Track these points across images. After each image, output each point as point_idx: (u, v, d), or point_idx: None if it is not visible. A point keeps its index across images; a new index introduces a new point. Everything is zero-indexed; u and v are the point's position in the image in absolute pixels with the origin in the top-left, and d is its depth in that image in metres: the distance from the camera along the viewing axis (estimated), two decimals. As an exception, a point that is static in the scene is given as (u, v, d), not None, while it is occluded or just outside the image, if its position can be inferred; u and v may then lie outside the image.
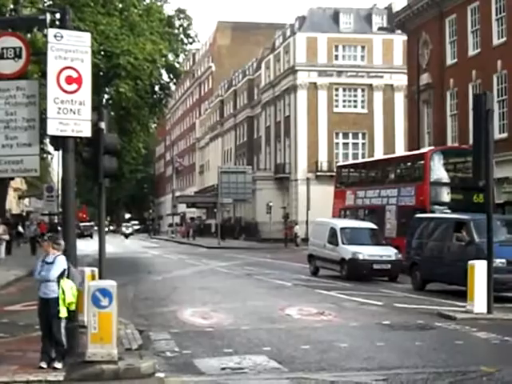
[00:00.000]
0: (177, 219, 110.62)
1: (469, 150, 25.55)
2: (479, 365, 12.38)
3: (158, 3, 37.48)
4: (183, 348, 13.94)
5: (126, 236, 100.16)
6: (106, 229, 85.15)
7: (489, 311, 18.40)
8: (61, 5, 22.76)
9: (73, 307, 11.88)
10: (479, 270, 18.96)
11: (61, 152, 12.76)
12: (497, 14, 39.73)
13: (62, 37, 12.07)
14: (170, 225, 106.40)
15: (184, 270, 35.77)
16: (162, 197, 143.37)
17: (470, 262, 19.52)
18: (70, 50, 12.07)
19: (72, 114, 12.03)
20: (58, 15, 13.17)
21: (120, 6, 33.56)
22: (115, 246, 63.02)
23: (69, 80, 12.03)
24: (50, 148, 36.36)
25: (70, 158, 12.59)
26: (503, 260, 21.87)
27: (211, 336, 15.45)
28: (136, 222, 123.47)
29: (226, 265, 39.02)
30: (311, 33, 73.74)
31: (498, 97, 38.79)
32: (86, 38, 12.54)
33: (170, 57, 37.39)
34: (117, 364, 11.52)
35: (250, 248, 60.18)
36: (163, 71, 37.40)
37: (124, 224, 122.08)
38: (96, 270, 15.39)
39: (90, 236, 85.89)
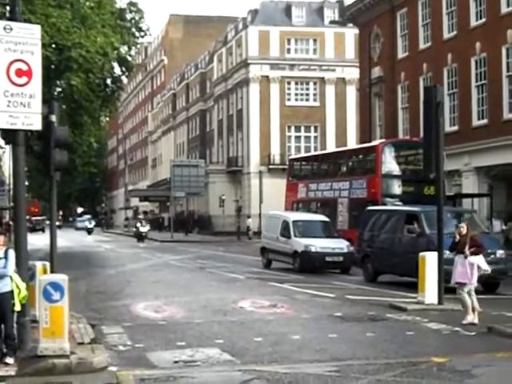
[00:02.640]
0: (130, 213, 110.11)
1: (420, 143, 25.80)
2: (430, 355, 12.50)
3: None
4: (136, 341, 13.90)
5: (89, 231, 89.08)
6: (58, 223, 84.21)
7: (439, 302, 18.58)
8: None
9: (24, 301, 11.81)
10: (430, 261, 19.14)
11: (11, 145, 12.62)
12: (447, 8, 40.06)
13: (11, 29, 11.95)
14: (127, 218, 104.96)
15: (137, 263, 35.64)
16: (114, 190, 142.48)
17: (421, 254, 19.70)
18: (20, 43, 11.95)
19: (22, 107, 11.92)
20: (7, 8, 13.01)
21: (71, -2, 33.32)
22: (67, 240, 62.55)
23: (19, 73, 11.91)
24: (1, 141, 35.98)
25: (21, 152, 12.46)
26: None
27: (164, 329, 15.42)
28: (89, 216, 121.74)
29: (179, 258, 38.97)
30: (263, 26, 73.74)
31: (449, 90, 39.13)
32: (35, 30, 12.42)
33: (122, 50, 37.23)
34: (69, 358, 11.45)
35: (202, 241, 60.17)
36: (115, 64, 37.24)
37: (80, 219, 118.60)
38: (48, 264, 15.29)
39: (42, 230, 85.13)
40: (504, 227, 33.54)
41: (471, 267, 16.72)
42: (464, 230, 17.28)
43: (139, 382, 10.62)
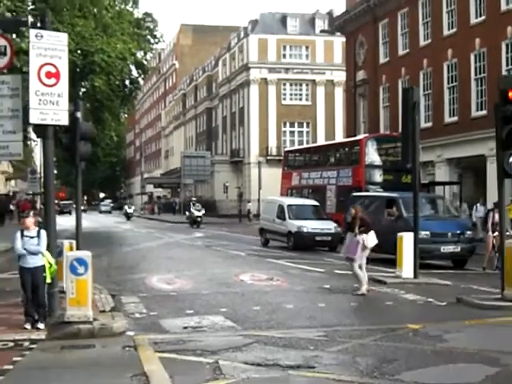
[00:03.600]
0: (145, 198, 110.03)
1: (398, 137, 25.71)
2: (406, 322, 12.52)
3: (129, 8, 37.19)
4: (150, 310, 13.93)
5: (129, 216, 72.38)
6: (83, 207, 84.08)
7: (415, 276, 18.58)
8: (42, 9, 22.43)
9: (53, 275, 11.87)
10: (407, 240, 19.13)
11: (42, 138, 12.61)
12: (423, 19, 40.02)
13: (42, 36, 11.93)
14: (145, 203, 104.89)
15: (151, 242, 35.62)
16: (132, 178, 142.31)
17: (399, 234, 19.69)
18: (49, 48, 11.93)
19: (51, 104, 11.91)
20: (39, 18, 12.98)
21: (94, 10, 33.19)
22: (92, 221, 62.55)
23: (48, 75, 11.89)
24: (33, 135, 35.96)
25: (50, 144, 12.46)
26: (427, 232, 22.12)
27: (175, 299, 15.44)
28: (110, 201, 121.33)
29: (188, 237, 38.95)
30: (262, 34, 73.54)
31: (424, 91, 39.10)
32: (63, 37, 12.40)
33: (139, 55, 37.14)
34: (92, 324, 11.49)
35: (209, 223, 60.11)
36: (133, 67, 37.14)
37: (103, 203, 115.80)
38: (74, 242, 15.29)
39: (69, 213, 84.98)
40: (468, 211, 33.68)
41: (357, 244, 16.68)
42: (353, 212, 17.28)
43: (153, 344, 10.63)
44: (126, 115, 57.86)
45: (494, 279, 16.60)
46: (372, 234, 16.97)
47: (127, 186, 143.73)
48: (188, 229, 49.22)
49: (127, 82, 37.42)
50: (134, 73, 38.19)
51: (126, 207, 76.37)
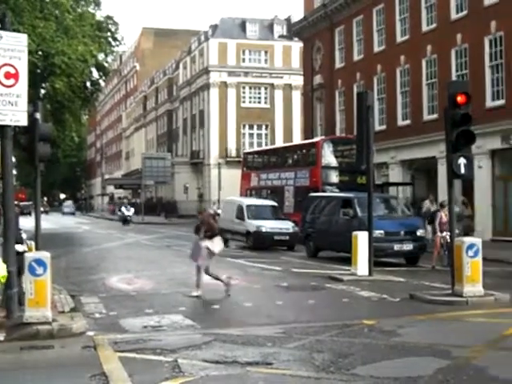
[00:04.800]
0: (106, 199, 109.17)
1: (353, 139, 25.84)
2: (362, 318, 12.53)
3: (91, 10, 36.90)
4: (110, 310, 13.74)
5: (127, 221, 56.13)
6: (43, 208, 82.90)
7: (370, 274, 18.66)
8: (2, 10, 22.10)
9: (4, 280, 11.47)
10: (361, 239, 19.22)
11: (1, 139, 12.37)
12: (377, 26, 40.33)
13: (1, 37, 11.70)
14: (109, 203, 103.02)
15: (112, 242, 35.31)
16: (92, 179, 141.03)
17: (354, 233, 19.77)
18: (9, 49, 11.69)
19: (10, 105, 11.67)
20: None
21: (56, 11, 32.86)
22: (53, 223, 61.86)
23: (7, 75, 11.66)
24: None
25: (9, 145, 12.20)
26: (381, 231, 22.25)
27: (134, 299, 15.26)
28: (70, 202, 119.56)
29: (149, 238, 38.70)
30: (222, 39, 73.44)
31: (378, 95, 39.40)
32: (23, 38, 12.17)
33: (100, 57, 36.90)
34: (51, 325, 11.26)
35: (169, 223, 59.89)
36: (94, 69, 36.87)
37: (66, 204, 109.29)
38: (33, 242, 15.05)
39: (29, 214, 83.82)
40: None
41: (200, 248, 15.88)
42: (200, 216, 16.86)
43: (113, 344, 10.47)
44: (86, 116, 57.37)
45: (445, 276, 16.72)
46: (218, 239, 16.18)
47: (88, 187, 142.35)
48: (148, 229, 48.90)
49: (88, 84, 37.14)
50: (95, 74, 37.94)
51: (123, 209, 57.26)
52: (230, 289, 15.65)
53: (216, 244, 16.13)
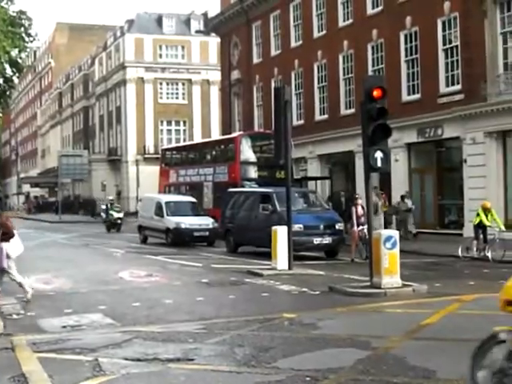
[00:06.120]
0: (22, 198, 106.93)
1: (272, 135, 26.04)
2: (282, 312, 12.65)
3: (3, 4, 36.06)
4: (28, 311, 13.51)
5: (116, 225, 43.00)
6: None
7: (289, 268, 18.85)
8: None
9: None
10: (281, 233, 19.39)
11: None
12: (294, 21, 40.65)
13: None
14: (24, 202, 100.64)
15: (29, 241, 34.27)
16: (8, 178, 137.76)
17: (273, 228, 19.93)
18: None
19: None
20: None
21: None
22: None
23: None
24: None
25: None
26: (301, 225, 22.50)
27: (53, 299, 15.05)
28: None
29: (67, 237, 38.09)
30: (138, 34, 72.83)
31: (296, 90, 39.75)
32: None
33: (13, 53, 36.10)
34: (-33, 326, 11.03)
35: (87, 222, 59.07)
36: (7, 66, 36.04)
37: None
38: None
39: None
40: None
41: (1, 251, 14.73)
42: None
43: (31, 345, 10.30)
44: (0, 114, 56.14)
45: (364, 268, 17.03)
46: (14, 241, 15.03)
47: (3, 186, 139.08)
48: (65, 228, 48.07)
49: (1, 81, 36.32)
50: (9, 71, 37.10)
51: (113, 212, 43.06)
52: (29, 300, 14.59)
53: (13, 247, 14.99)
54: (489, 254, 21.78)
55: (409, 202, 30.71)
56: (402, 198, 30.72)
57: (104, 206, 49.55)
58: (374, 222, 26.41)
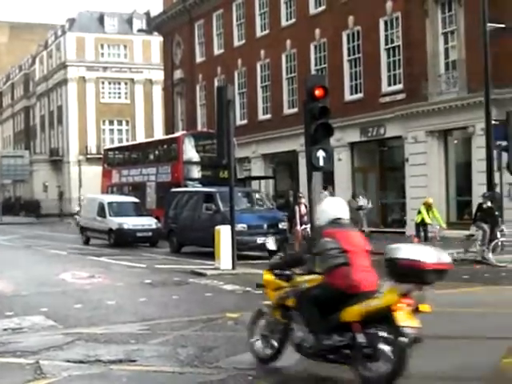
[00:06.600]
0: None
1: (215, 134, 26.05)
2: (226, 312, 12.67)
3: None
4: (-33, 314, 13.28)
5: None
6: None
7: (233, 267, 18.89)
8: None
9: None
10: (224, 233, 19.41)
11: None
12: (237, 21, 40.72)
13: None
14: None
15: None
16: None
17: (217, 227, 19.94)
18: None
19: None
20: None
21: None
22: None
23: None
24: None
25: None
26: (244, 225, 22.58)
27: (-6, 302, 14.81)
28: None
29: (8, 238, 37.45)
30: (80, 33, 72.22)
31: (239, 89, 39.85)
32: None
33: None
34: None
35: (29, 223, 58.19)
36: None
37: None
38: None
39: None
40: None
41: None
42: None
43: (-30, 349, 10.15)
44: None
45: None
46: None
47: None
48: (7, 229, 47.29)
49: None
50: None
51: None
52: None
53: None
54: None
55: (362, 201, 30.44)
56: (353, 196, 30.44)
57: (79, 208, 46.31)
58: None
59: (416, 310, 7.06)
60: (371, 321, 7.14)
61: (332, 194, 30.07)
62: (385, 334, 7.06)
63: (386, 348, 7.01)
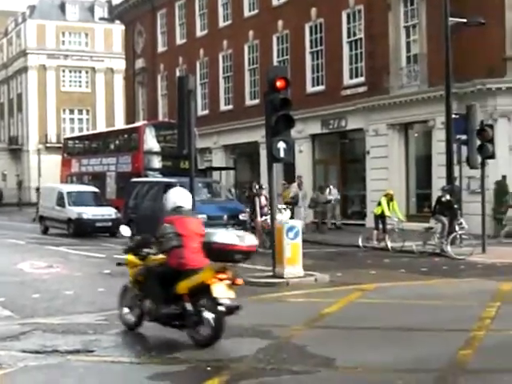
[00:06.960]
0: None
1: (176, 124, 25.91)
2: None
3: None
4: None
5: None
6: None
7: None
8: None
9: None
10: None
11: None
12: (200, 10, 40.56)
13: None
14: None
15: None
16: None
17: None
18: None
19: None
20: None
21: None
22: None
23: None
24: None
25: None
26: (204, 215, 22.45)
27: None
28: None
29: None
30: (41, 20, 71.30)
31: (201, 80, 39.71)
32: None
33: None
34: None
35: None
36: None
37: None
38: None
39: None
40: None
41: None
42: None
43: None
44: None
45: (268, 258, 17.11)
46: None
47: None
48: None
49: None
50: None
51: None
52: None
53: None
54: (388, 244, 22.27)
55: (333, 191, 30.23)
56: (321, 189, 30.25)
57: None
58: (298, 212, 26.82)
59: (233, 284, 8.96)
60: (197, 293, 8.84)
61: (299, 186, 30.11)
62: (205, 304, 8.77)
63: (209, 316, 8.72)
